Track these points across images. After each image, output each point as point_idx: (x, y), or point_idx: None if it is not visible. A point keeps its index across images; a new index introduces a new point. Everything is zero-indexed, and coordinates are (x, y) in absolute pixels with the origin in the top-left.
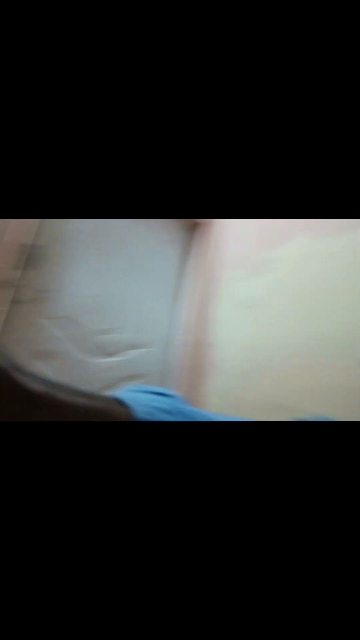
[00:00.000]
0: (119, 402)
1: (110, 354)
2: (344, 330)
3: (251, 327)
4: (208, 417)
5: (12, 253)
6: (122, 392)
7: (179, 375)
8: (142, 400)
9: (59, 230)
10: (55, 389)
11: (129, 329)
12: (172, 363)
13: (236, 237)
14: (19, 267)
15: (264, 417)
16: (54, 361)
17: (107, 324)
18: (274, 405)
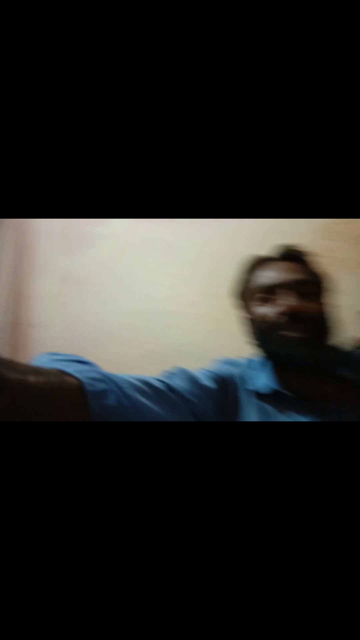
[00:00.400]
0: (65, 373)
1: None
2: (156, 306)
3: (75, 304)
4: (130, 381)
5: None
6: (49, 362)
7: None
8: (77, 370)
9: None
10: (6, 369)
11: None
12: None
13: None
14: None
15: None
16: None
17: None
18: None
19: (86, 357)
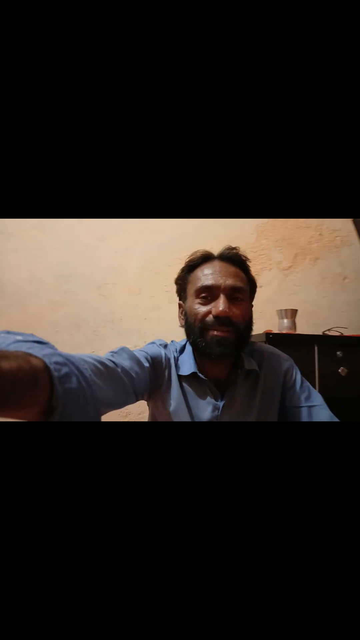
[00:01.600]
0: (31, 356)
1: None
2: (94, 272)
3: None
4: (86, 360)
5: None
6: (10, 343)
7: None
8: (43, 354)
9: None
10: None
11: None
12: None
13: None
14: None
15: None
16: None
17: None
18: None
19: (4, 317)
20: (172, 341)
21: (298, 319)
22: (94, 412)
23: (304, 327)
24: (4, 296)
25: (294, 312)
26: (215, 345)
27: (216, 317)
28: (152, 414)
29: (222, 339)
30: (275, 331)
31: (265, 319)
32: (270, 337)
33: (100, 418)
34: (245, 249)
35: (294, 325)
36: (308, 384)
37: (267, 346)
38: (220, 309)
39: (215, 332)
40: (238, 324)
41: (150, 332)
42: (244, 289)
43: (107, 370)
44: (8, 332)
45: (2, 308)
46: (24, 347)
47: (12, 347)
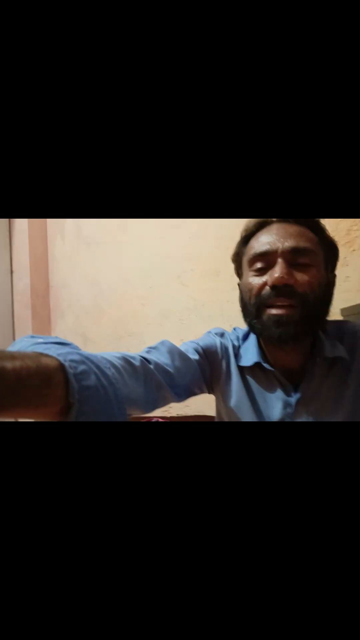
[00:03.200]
0: (44, 355)
1: None
2: (172, 262)
3: (92, 264)
4: (108, 359)
5: None
6: (29, 345)
7: (24, 323)
8: (58, 353)
9: None
10: None
11: None
12: (15, 311)
13: None
14: None
15: (116, 347)
16: None
17: None
18: (125, 334)
19: (106, 317)
20: (234, 328)
21: None
22: (119, 411)
23: None
24: (104, 297)
25: None
26: (274, 326)
27: (273, 287)
28: (217, 410)
29: (282, 317)
30: None
31: None
32: None
33: (127, 417)
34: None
35: None
36: None
37: None
38: (276, 275)
39: (272, 310)
40: (305, 294)
41: (235, 314)
42: (312, 251)
43: (133, 368)
44: (32, 337)
45: (103, 308)
46: (41, 348)
47: (30, 349)
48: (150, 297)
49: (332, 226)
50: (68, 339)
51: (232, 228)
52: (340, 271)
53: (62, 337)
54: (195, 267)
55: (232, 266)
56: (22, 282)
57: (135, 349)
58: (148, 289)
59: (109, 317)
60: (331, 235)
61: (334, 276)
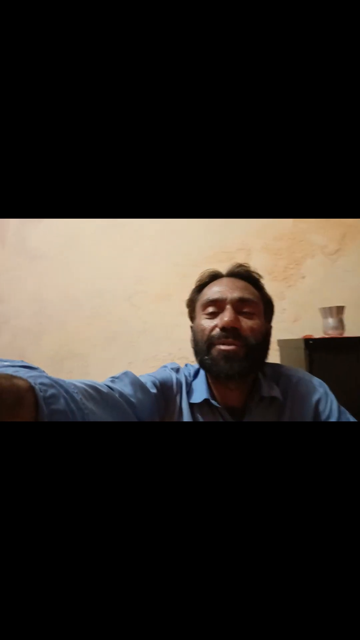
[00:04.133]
0: (16, 377)
1: None
2: (123, 282)
3: (35, 278)
4: (77, 385)
5: None
6: None
7: None
8: (28, 375)
9: None
10: None
11: None
12: None
13: None
14: None
15: (58, 369)
16: None
17: None
18: (69, 355)
19: (47, 336)
20: (186, 364)
21: (351, 312)
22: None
23: (357, 321)
24: (46, 316)
25: (340, 310)
26: (222, 360)
27: (222, 328)
28: None
29: (230, 352)
30: (318, 335)
31: (308, 319)
32: (311, 344)
33: None
34: (282, 236)
35: (341, 324)
36: (348, 414)
37: (297, 370)
38: (225, 319)
39: (222, 347)
40: (247, 337)
41: (183, 338)
42: (254, 302)
43: (101, 396)
44: None
45: (46, 327)
46: (10, 370)
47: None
48: (97, 317)
49: (272, 263)
50: (4, 354)
51: (184, 254)
52: (278, 304)
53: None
54: (146, 290)
55: (182, 290)
56: None
57: (78, 371)
58: (95, 308)
59: (50, 336)
60: (268, 293)
61: (270, 327)
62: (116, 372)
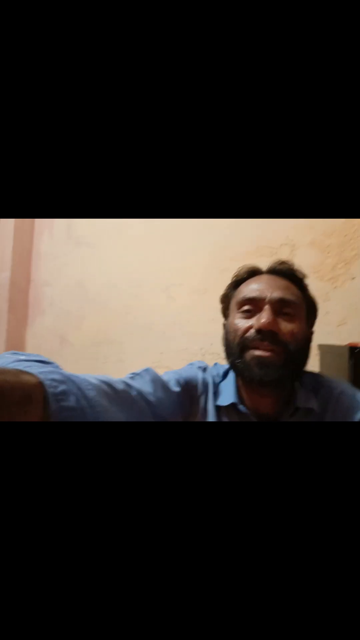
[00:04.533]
0: (25, 373)
1: None
2: (161, 273)
3: (79, 265)
4: (91, 382)
5: None
6: (11, 362)
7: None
8: (39, 371)
9: None
10: None
11: None
12: None
13: None
14: None
15: (89, 354)
16: None
17: None
18: (105, 340)
19: (87, 321)
20: (215, 363)
21: None
22: None
23: None
24: (87, 300)
25: None
26: (256, 367)
27: (259, 331)
28: None
29: (266, 359)
30: None
31: (355, 324)
32: (356, 352)
33: None
34: (332, 232)
35: None
36: None
37: (339, 382)
38: (263, 320)
39: (256, 352)
40: (287, 343)
41: (217, 334)
42: (296, 304)
43: (116, 393)
44: (14, 353)
45: (86, 311)
46: (22, 365)
47: (11, 366)
48: (135, 306)
49: (318, 260)
50: (45, 338)
51: (225, 248)
52: (322, 306)
53: (39, 336)
54: (183, 282)
55: (220, 285)
56: (3, 274)
57: (113, 357)
58: (134, 297)
59: (90, 321)
60: (312, 294)
61: (312, 333)
62: (149, 361)
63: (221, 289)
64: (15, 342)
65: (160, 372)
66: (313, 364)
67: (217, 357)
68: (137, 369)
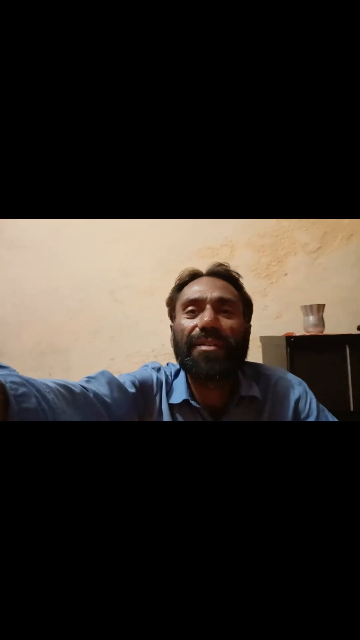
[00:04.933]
0: None
1: None
2: (107, 276)
3: (15, 269)
4: (48, 385)
5: None
6: None
7: None
8: None
9: None
10: None
11: None
12: None
13: None
14: None
15: (38, 364)
16: None
17: None
18: (49, 349)
19: (27, 329)
20: (168, 363)
21: (330, 309)
22: None
23: (337, 319)
24: (27, 309)
25: (320, 308)
26: (203, 362)
27: (202, 328)
28: None
29: (210, 353)
30: (300, 333)
31: (290, 316)
32: (292, 341)
33: None
34: (265, 233)
35: (321, 322)
36: (327, 412)
37: (276, 369)
38: (206, 319)
39: (202, 347)
40: (227, 337)
41: (167, 334)
42: (233, 302)
43: (73, 396)
44: None
45: (26, 320)
46: None
47: None
48: (80, 311)
49: (255, 259)
50: None
51: (169, 249)
52: (260, 301)
53: None
54: (130, 284)
55: (167, 286)
56: None
57: (60, 367)
58: (78, 302)
59: (31, 330)
60: (247, 292)
61: (250, 326)
62: (98, 368)
63: (168, 289)
64: None
65: None
66: (256, 354)
67: (169, 357)
68: (87, 375)
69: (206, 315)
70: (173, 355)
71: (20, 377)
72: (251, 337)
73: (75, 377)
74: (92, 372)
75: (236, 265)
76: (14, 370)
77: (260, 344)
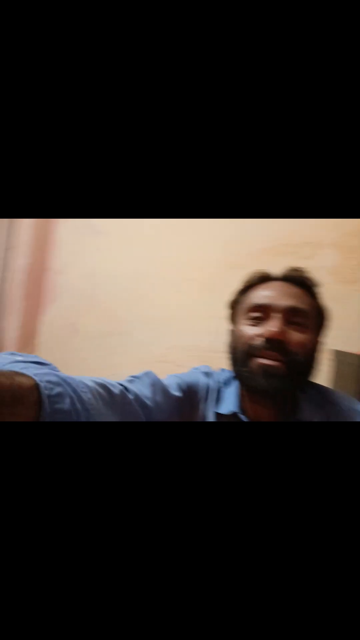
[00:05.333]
0: (20, 374)
1: None
2: (172, 269)
3: (95, 253)
4: (87, 384)
5: None
6: (8, 363)
7: (14, 303)
8: (35, 373)
9: None
10: None
11: None
12: (6, 289)
13: None
14: None
15: (98, 344)
16: None
17: None
18: (110, 332)
19: (98, 310)
20: (222, 369)
21: None
22: None
23: None
24: (100, 289)
25: None
26: (262, 377)
27: (267, 339)
28: None
29: (271, 368)
30: None
31: None
32: None
33: None
34: (357, 232)
35: None
36: None
37: (349, 399)
38: (272, 329)
39: (263, 361)
40: (295, 353)
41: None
42: (307, 314)
43: (112, 397)
44: (12, 353)
45: (98, 300)
46: (18, 367)
47: (7, 367)
48: (144, 298)
49: (339, 262)
50: (57, 325)
51: (240, 243)
52: (340, 310)
53: (51, 324)
54: (195, 277)
55: (232, 281)
56: (20, 260)
57: (122, 348)
58: (147, 288)
59: (102, 311)
60: (323, 304)
61: (321, 342)
62: (155, 355)
63: (234, 285)
64: (28, 330)
65: (166, 366)
66: (324, 371)
67: (224, 355)
68: (143, 361)
69: (273, 325)
70: (226, 354)
71: (58, 375)
72: (326, 348)
73: (132, 361)
74: (149, 357)
75: (316, 266)
76: (55, 368)
77: (331, 358)
